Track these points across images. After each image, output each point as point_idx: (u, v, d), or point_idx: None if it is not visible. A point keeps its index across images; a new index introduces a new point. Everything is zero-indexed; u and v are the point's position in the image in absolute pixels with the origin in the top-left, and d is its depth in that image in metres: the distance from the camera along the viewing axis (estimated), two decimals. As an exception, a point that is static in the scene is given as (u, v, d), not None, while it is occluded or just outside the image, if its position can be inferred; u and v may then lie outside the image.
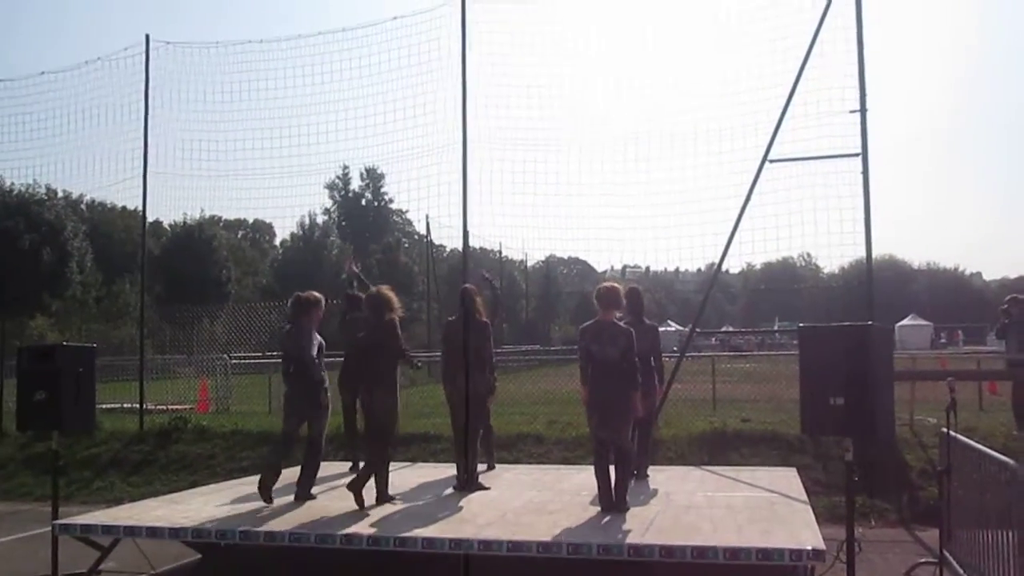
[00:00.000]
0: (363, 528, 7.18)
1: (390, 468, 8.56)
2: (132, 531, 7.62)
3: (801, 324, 6.95)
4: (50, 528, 8.04)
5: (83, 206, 63.47)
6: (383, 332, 8.42)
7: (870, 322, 7.19)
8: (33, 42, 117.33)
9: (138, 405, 16.71)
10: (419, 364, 9.77)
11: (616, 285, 8.19)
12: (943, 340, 66.40)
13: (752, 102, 12.93)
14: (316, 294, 9.23)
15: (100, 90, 17.01)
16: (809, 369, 6.57)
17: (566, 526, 7.13)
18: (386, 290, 8.74)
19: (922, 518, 10.19)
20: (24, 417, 8.65)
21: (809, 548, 6.08)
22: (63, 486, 10.23)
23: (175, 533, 7.55)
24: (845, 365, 6.33)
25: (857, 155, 12.18)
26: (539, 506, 8.09)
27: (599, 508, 7.74)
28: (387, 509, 8.02)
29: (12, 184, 52.26)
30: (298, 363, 8.73)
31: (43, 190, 54.16)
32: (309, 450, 8.88)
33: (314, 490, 8.84)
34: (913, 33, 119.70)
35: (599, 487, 7.84)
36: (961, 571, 7.37)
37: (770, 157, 12.51)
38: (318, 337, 8.97)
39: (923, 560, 8.04)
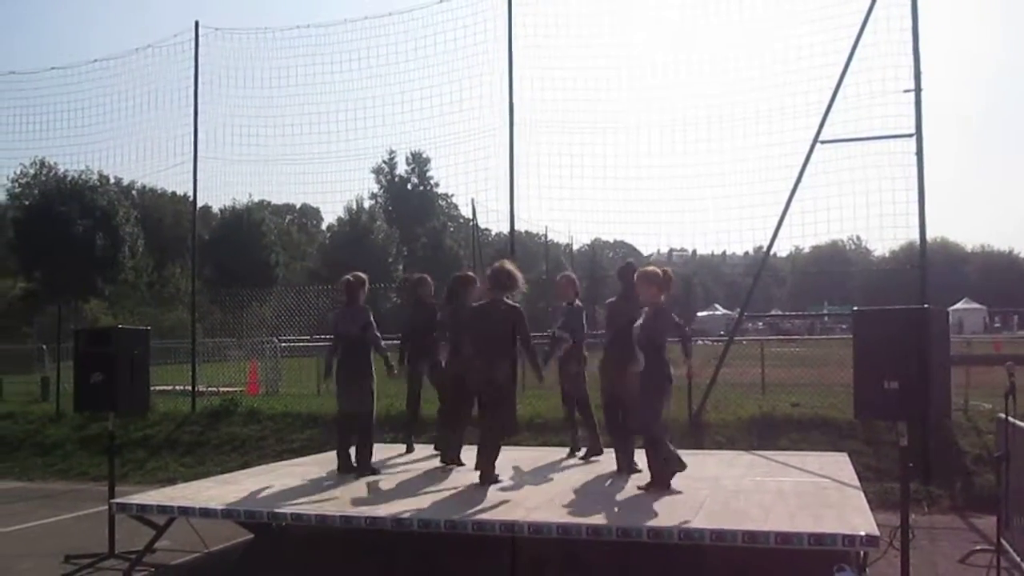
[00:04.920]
0: (413, 511, 7.22)
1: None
2: (186, 511, 7.75)
3: (855, 307, 6.83)
4: (106, 507, 8.22)
5: (134, 192, 64.53)
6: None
7: (926, 305, 7.06)
8: (78, 30, 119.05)
9: (190, 387, 16.99)
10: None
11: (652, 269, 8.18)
12: (997, 324, 65.16)
13: (803, 82, 12.73)
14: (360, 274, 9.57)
15: (150, 77, 17.29)
16: (864, 353, 6.46)
17: (615, 509, 7.12)
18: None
19: (977, 505, 10.01)
20: (81, 398, 8.83)
21: (862, 534, 5.99)
22: (118, 466, 10.44)
23: (228, 513, 7.65)
24: (901, 349, 6.21)
25: (911, 135, 11.92)
26: (587, 490, 8.07)
27: (647, 492, 7.71)
28: (440, 491, 8.06)
29: (66, 171, 53.31)
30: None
31: (96, 176, 55.11)
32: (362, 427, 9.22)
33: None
34: (967, 8, 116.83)
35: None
36: (1019, 559, 7.24)
37: (821, 138, 12.30)
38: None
39: (979, 547, 7.92)
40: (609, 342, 8.90)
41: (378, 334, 9.35)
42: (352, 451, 9.20)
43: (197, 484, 9.32)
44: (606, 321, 9.09)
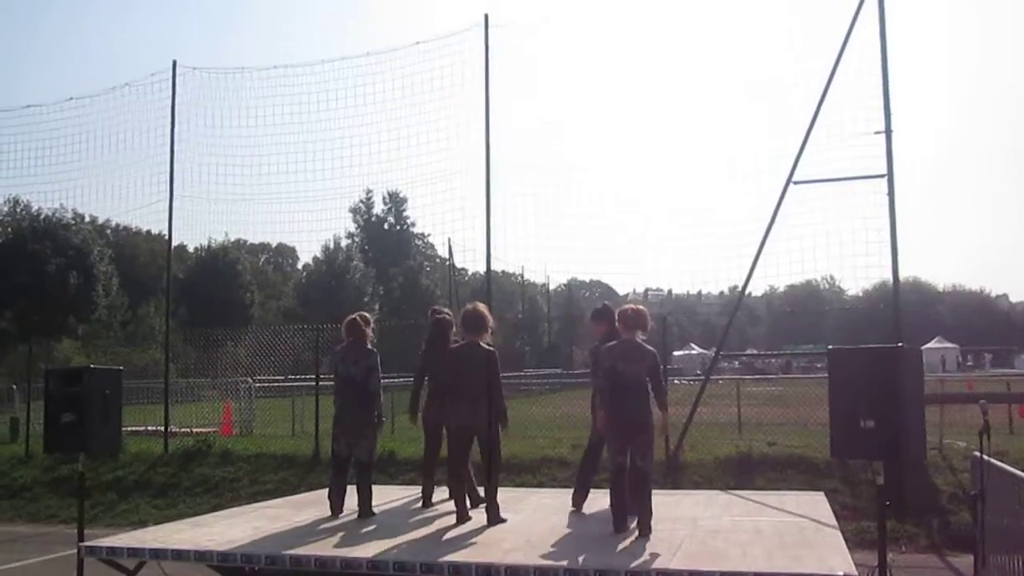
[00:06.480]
0: (389, 554, 7.14)
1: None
2: (158, 554, 7.59)
3: (830, 347, 6.87)
4: (76, 550, 8.06)
5: (108, 230, 64.15)
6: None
7: (900, 344, 7.11)
8: (49, 68, 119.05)
9: (163, 428, 16.79)
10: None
11: (642, 307, 8.14)
12: (969, 363, 65.81)
13: (777, 123, 12.94)
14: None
15: (127, 115, 17.32)
16: (839, 392, 6.48)
17: (593, 551, 7.06)
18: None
19: (953, 544, 10.03)
20: (51, 439, 8.67)
21: (840, 574, 5.97)
22: (88, 508, 10.27)
23: (201, 556, 7.51)
24: (876, 388, 6.24)
25: (882, 176, 12.12)
26: (564, 531, 8.01)
27: (626, 532, 7.66)
28: (416, 533, 7.99)
29: (40, 209, 52.97)
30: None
31: (70, 214, 54.81)
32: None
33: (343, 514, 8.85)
34: (938, 53, 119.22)
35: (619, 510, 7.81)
36: (995, 598, 7.25)
37: (794, 179, 12.47)
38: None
39: (956, 586, 7.93)
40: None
41: (381, 381, 9.14)
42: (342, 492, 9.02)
43: (169, 527, 9.17)
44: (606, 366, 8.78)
